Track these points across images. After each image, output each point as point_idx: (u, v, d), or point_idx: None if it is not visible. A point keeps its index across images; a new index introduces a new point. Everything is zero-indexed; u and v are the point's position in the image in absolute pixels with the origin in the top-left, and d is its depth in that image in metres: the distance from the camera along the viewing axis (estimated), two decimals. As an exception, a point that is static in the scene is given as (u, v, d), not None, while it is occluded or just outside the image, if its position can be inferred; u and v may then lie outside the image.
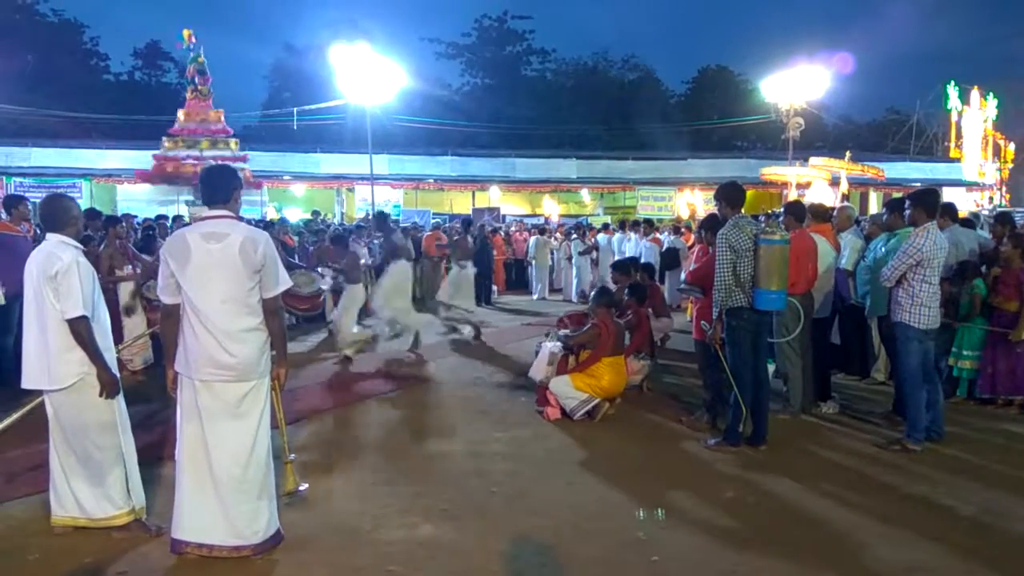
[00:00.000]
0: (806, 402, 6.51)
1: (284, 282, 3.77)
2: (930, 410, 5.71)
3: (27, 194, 19.22)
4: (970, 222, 8.30)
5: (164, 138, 20.68)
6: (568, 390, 6.34)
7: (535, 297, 16.23)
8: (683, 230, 16.12)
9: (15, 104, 28.54)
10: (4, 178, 25.26)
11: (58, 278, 3.69)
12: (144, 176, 21.56)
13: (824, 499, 4.68)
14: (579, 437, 5.92)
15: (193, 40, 20.64)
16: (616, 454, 5.58)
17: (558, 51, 51.26)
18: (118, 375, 3.95)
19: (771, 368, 6.44)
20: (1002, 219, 7.60)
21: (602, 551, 3.96)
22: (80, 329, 3.72)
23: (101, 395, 3.82)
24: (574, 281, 15.95)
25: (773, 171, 26.60)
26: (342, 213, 28.59)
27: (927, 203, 5.54)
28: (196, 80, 20.91)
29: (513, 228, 21.45)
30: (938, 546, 4.02)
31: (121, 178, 26.51)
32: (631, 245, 15.19)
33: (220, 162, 16.31)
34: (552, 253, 17.48)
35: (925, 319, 5.44)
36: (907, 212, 5.70)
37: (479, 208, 28.04)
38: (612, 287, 8.68)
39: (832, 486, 4.89)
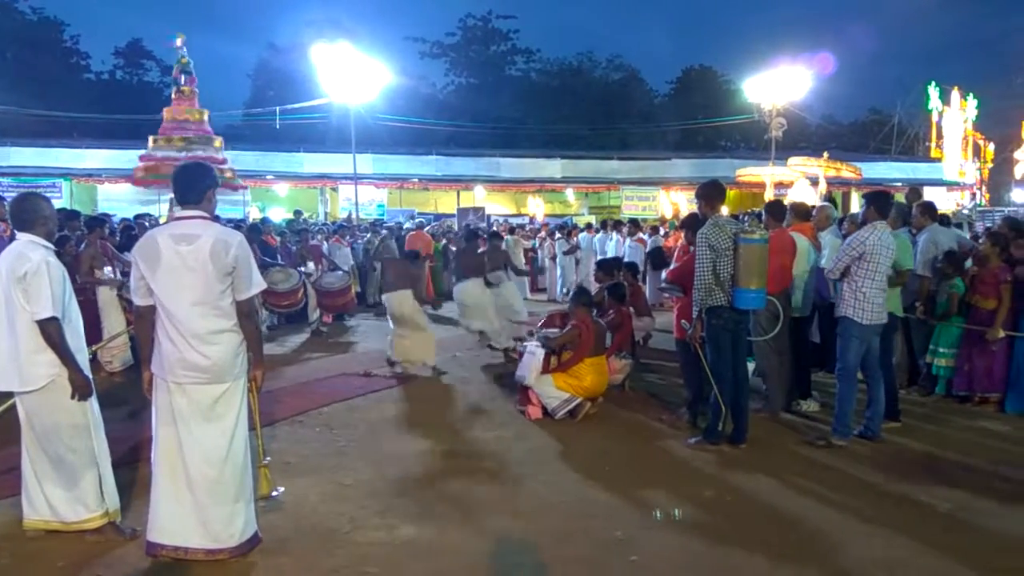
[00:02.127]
0: (786, 400, 6.54)
1: (258, 284, 3.71)
2: (870, 407, 5.79)
3: (5, 194, 19.03)
4: (947, 220, 8.36)
5: (150, 138, 20.51)
6: (550, 390, 6.34)
7: None
8: (668, 232, 16.14)
9: (-7, 103, 28.19)
10: (-17, 178, 24.97)
11: (27, 279, 3.63)
12: (130, 178, 21.35)
13: (803, 497, 4.70)
14: (560, 436, 5.92)
15: (181, 44, 20.51)
16: (597, 453, 5.57)
17: (543, 51, 51.35)
18: (90, 377, 3.90)
19: (751, 366, 6.46)
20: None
21: (582, 551, 3.96)
22: (50, 330, 3.66)
23: (73, 397, 3.76)
24: (558, 281, 15.95)
25: (748, 172, 26.73)
26: (326, 213, 28.48)
27: (879, 204, 5.70)
28: (181, 81, 20.78)
29: (495, 228, 21.38)
30: (915, 543, 4.04)
31: (102, 178, 26.27)
32: (613, 245, 15.21)
33: (200, 161, 16.11)
34: (537, 253, 17.45)
35: (868, 315, 5.52)
36: (861, 211, 5.83)
37: (464, 208, 28.00)
38: (595, 287, 8.71)
39: (811, 484, 4.91)
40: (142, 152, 20.60)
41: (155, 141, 20.10)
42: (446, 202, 31.08)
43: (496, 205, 31.32)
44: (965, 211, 28.95)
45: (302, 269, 11.22)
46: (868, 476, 5.06)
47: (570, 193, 32.10)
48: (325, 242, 13.65)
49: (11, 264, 3.70)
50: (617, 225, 16.16)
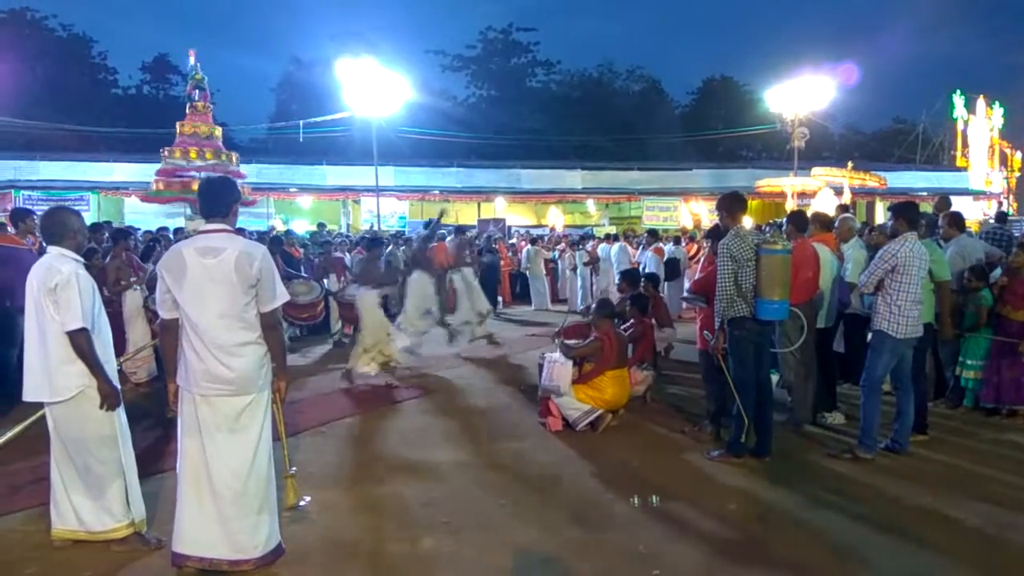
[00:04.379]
0: (811, 412, 6.47)
1: (281, 296, 3.75)
2: (898, 419, 5.71)
3: (35, 207, 19.37)
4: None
5: (164, 152, 20.83)
6: (571, 401, 6.32)
7: (533, 308, 16.17)
8: (686, 241, 16.04)
9: (24, 118, 28.76)
10: (12, 192, 25.39)
11: (57, 291, 3.70)
12: (146, 198, 21.65)
13: (828, 510, 4.64)
14: (581, 448, 5.90)
15: (195, 61, 20.86)
16: (619, 465, 5.55)
17: (563, 62, 51.46)
18: (119, 387, 3.95)
19: (775, 378, 6.40)
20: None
21: (604, 564, 3.93)
22: (80, 341, 3.72)
23: (101, 407, 3.82)
24: (579, 292, 15.91)
25: (768, 182, 26.56)
26: (348, 224, 28.69)
27: (909, 215, 5.63)
28: (195, 96, 21.15)
29: (515, 239, 21.43)
30: (943, 558, 3.98)
31: (129, 191, 26.68)
32: (641, 255, 15.09)
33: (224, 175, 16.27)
34: (556, 263, 17.43)
35: (903, 328, 5.45)
36: (890, 223, 5.77)
37: (484, 219, 28.08)
38: (617, 297, 8.68)
39: (836, 497, 4.85)
40: (157, 167, 20.88)
41: (169, 157, 20.38)
42: (467, 214, 31.18)
43: (517, 216, 31.40)
44: (991, 221, 28.53)
45: (324, 282, 11.30)
46: (894, 489, 4.99)
47: (591, 204, 32.09)
48: (347, 254, 13.72)
49: (42, 277, 3.77)
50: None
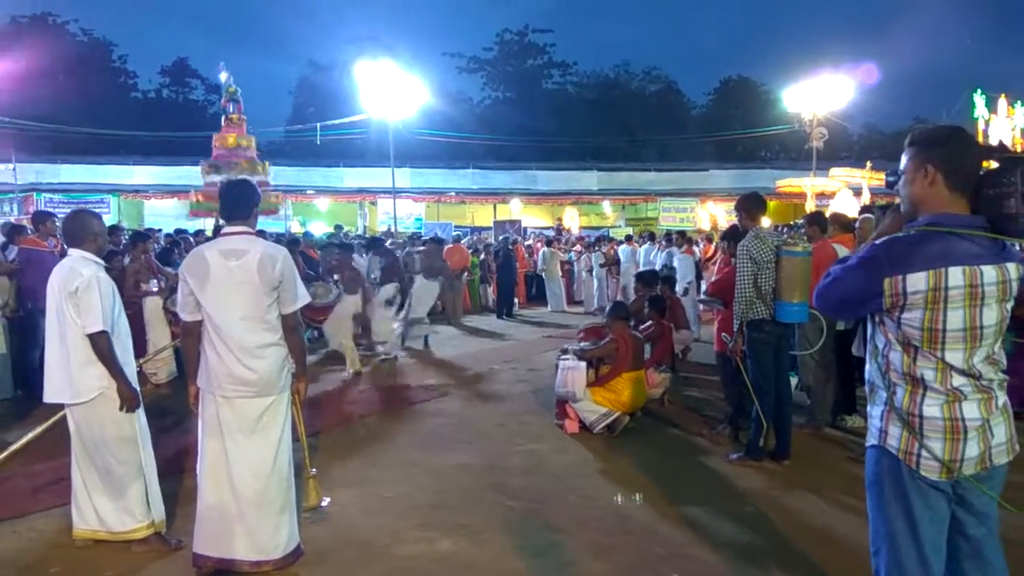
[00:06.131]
0: (830, 415, 6.42)
1: (303, 298, 3.78)
2: None
3: (56, 210, 19.61)
4: None
5: (202, 165, 21.11)
6: (588, 404, 6.30)
7: (549, 309, 16.16)
8: (703, 242, 15.95)
9: (45, 121, 29.13)
10: (34, 194, 25.78)
11: (78, 293, 3.74)
12: (198, 212, 21.88)
13: (848, 514, 4.59)
14: (599, 451, 5.88)
15: (228, 76, 21.17)
16: (636, 468, 5.52)
17: (579, 64, 51.61)
18: (138, 389, 3.99)
19: (794, 381, 6.35)
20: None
21: (621, 567, 3.91)
22: (100, 344, 3.76)
23: (121, 409, 3.86)
24: (595, 293, 15.88)
25: (788, 182, 26.38)
26: (365, 226, 28.83)
27: None
28: (229, 109, 21.51)
29: (530, 240, 21.42)
30: (966, 564, 3.92)
31: (148, 194, 27.01)
32: (662, 256, 15.02)
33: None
34: (572, 265, 17.40)
35: None
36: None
37: (500, 220, 28.12)
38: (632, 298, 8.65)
39: (856, 501, 4.77)
40: (196, 187, 21.18)
41: (208, 170, 20.68)
42: (483, 215, 31.25)
43: (532, 218, 31.40)
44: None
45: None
46: (916, 494, 4.92)
47: (607, 205, 32.04)
48: (363, 255, 13.75)
49: (63, 279, 3.81)
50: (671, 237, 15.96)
